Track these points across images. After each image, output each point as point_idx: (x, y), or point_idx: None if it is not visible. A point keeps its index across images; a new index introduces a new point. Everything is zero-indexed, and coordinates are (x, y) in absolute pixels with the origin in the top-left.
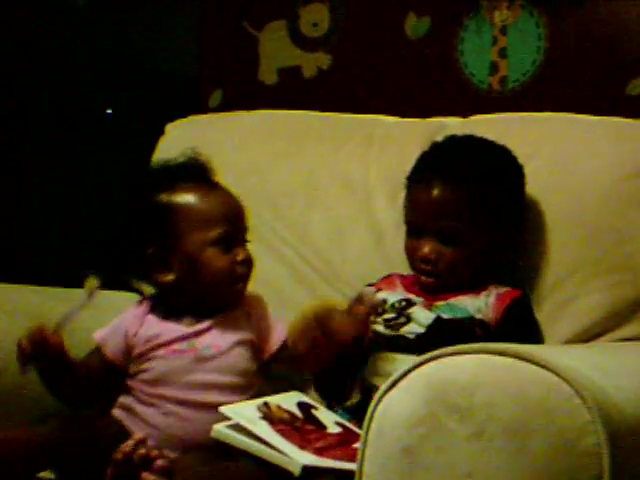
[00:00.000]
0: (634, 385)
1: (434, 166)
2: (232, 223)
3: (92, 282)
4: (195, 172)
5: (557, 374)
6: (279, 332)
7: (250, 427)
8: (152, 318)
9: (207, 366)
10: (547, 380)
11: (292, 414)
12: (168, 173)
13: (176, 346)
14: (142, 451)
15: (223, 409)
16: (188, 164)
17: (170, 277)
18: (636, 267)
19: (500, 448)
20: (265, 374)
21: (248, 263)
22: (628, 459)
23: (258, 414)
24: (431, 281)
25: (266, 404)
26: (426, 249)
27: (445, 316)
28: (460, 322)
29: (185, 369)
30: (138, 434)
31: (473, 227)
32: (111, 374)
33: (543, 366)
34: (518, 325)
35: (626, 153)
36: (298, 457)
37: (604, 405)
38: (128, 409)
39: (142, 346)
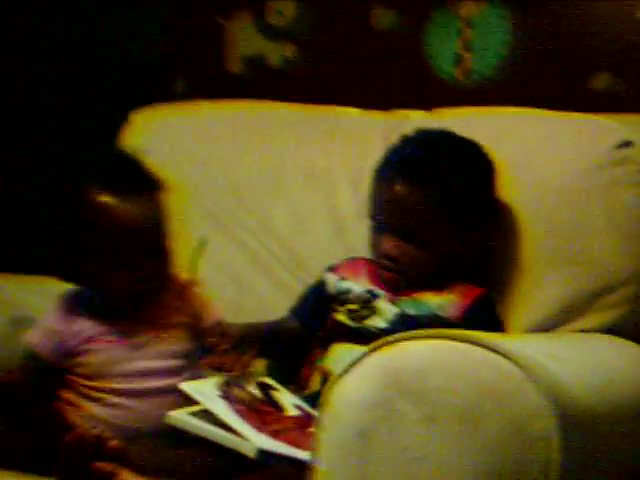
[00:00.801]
0: (586, 372)
1: (398, 162)
2: (136, 240)
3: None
4: (117, 180)
5: (509, 359)
6: (214, 311)
7: (208, 404)
8: (79, 312)
9: (143, 353)
10: (499, 365)
11: (251, 394)
12: (96, 172)
13: (110, 337)
14: (95, 431)
15: (182, 386)
16: (116, 169)
17: (78, 276)
18: (593, 260)
19: (452, 432)
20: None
21: (149, 280)
22: (579, 445)
23: (217, 392)
24: (393, 277)
25: (226, 382)
26: (388, 246)
27: (409, 312)
28: (424, 319)
29: (121, 359)
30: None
31: (435, 226)
32: (48, 372)
33: (495, 351)
34: (480, 323)
35: (585, 148)
36: (254, 440)
37: (556, 390)
38: (71, 404)
39: (75, 341)
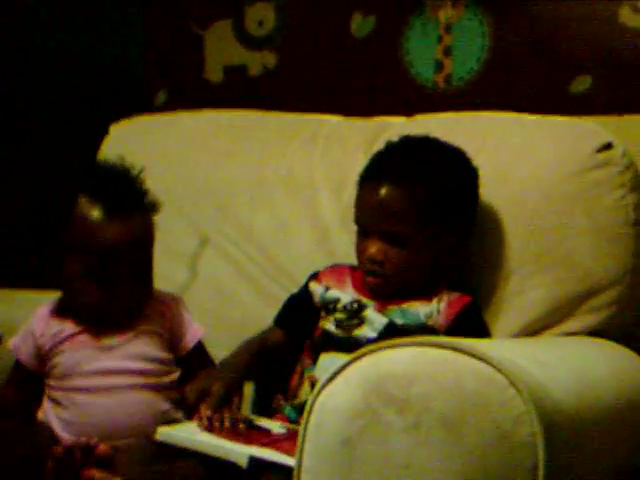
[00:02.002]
0: (571, 377)
1: (383, 167)
2: (116, 260)
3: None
4: (110, 197)
5: (492, 365)
6: (194, 331)
7: (193, 437)
8: (57, 316)
9: (112, 354)
10: (482, 371)
11: (234, 423)
12: (84, 183)
13: (81, 338)
14: (83, 440)
15: (160, 430)
16: (106, 180)
17: (57, 281)
18: (577, 264)
19: (436, 439)
20: (187, 369)
21: (123, 300)
22: (564, 450)
23: (198, 428)
24: (378, 282)
25: (207, 419)
26: (372, 249)
27: (397, 321)
28: (413, 329)
29: (89, 358)
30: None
31: (420, 230)
32: (34, 380)
33: (478, 357)
34: (468, 331)
35: (567, 152)
36: (244, 450)
37: (539, 396)
38: (49, 409)
39: (49, 343)
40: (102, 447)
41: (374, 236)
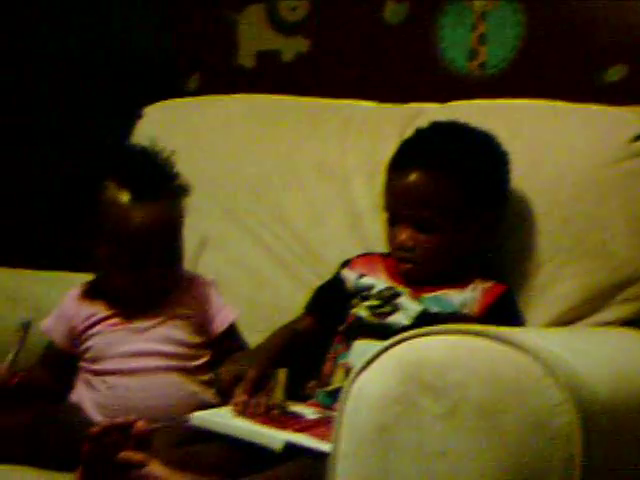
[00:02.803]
0: (607, 367)
1: (411, 153)
2: (146, 245)
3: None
4: (139, 181)
5: (529, 354)
6: (226, 314)
7: (227, 422)
8: (88, 299)
9: (142, 337)
10: (519, 360)
11: (268, 409)
12: (113, 167)
13: (112, 321)
14: (119, 419)
15: (195, 415)
16: (135, 165)
17: (89, 265)
18: (611, 253)
19: (473, 427)
20: (218, 351)
21: (155, 282)
22: (601, 440)
23: (231, 414)
24: (410, 268)
25: (242, 404)
26: (403, 236)
27: (432, 309)
28: (447, 317)
29: (120, 341)
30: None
31: (449, 215)
32: (66, 361)
33: (515, 346)
34: (502, 320)
35: (602, 141)
36: (279, 435)
37: (576, 386)
38: (81, 391)
39: (81, 325)
40: (140, 424)
41: (404, 223)
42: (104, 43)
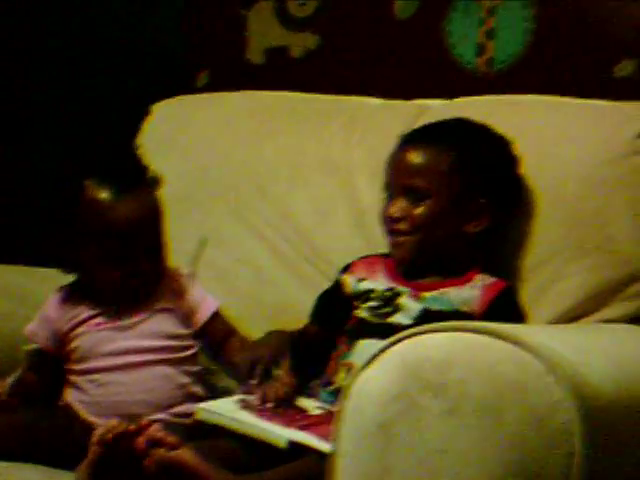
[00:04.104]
0: (609, 364)
1: (414, 133)
2: (128, 240)
3: (28, 347)
4: (114, 178)
5: (530, 351)
6: (208, 304)
7: (232, 415)
8: (71, 301)
9: (129, 333)
10: (519, 357)
11: (275, 402)
12: (95, 168)
13: (96, 320)
14: (132, 427)
15: (200, 406)
16: (114, 166)
17: (72, 266)
18: (617, 250)
19: (473, 425)
20: (208, 340)
21: (142, 276)
22: (601, 437)
23: (236, 406)
24: (400, 241)
25: (243, 399)
26: (392, 208)
27: (433, 308)
28: (448, 315)
29: (106, 339)
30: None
31: (441, 187)
32: (54, 364)
33: (515, 343)
34: (503, 318)
35: (609, 136)
36: (284, 432)
37: (577, 383)
38: (69, 395)
39: (65, 326)
40: (154, 428)
41: (397, 196)
42: (114, 40)
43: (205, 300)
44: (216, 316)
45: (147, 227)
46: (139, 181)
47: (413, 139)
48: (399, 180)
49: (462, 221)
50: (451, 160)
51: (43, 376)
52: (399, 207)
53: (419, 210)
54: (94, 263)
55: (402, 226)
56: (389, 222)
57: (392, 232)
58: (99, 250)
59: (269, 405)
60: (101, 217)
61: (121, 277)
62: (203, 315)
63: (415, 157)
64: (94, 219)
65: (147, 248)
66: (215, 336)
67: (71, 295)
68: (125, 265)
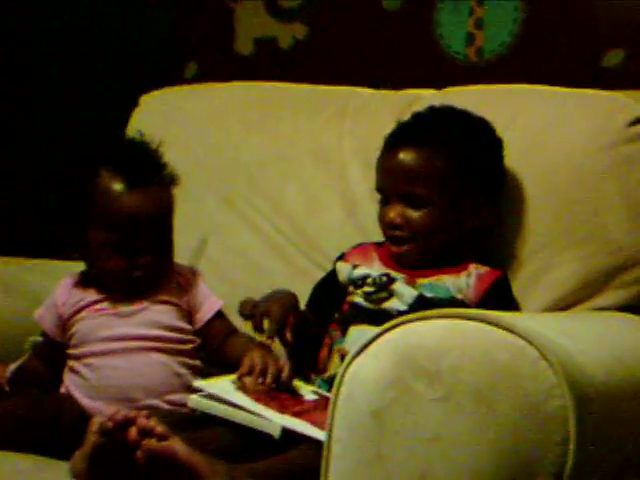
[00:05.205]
0: (602, 351)
1: (403, 132)
2: (137, 230)
3: (34, 338)
4: (127, 165)
5: (523, 338)
6: (212, 303)
7: (226, 396)
8: (80, 286)
9: (128, 321)
10: (513, 344)
11: (272, 384)
12: (106, 156)
13: (97, 306)
14: (132, 414)
15: (196, 383)
16: (126, 153)
17: (75, 255)
18: (609, 238)
19: (467, 411)
20: (210, 337)
21: (146, 268)
22: (595, 423)
23: (232, 386)
24: (400, 249)
25: (240, 378)
26: (392, 214)
27: (427, 295)
28: (442, 302)
29: (103, 325)
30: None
31: (439, 191)
32: (59, 351)
33: (509, 330)
34: (498, 306)
35: (599, 125)
36: (277, 419)
37: (570, 369)
38: (67, 380)
39: (69, 311)
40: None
41: (394, 200)
42: (101, 31)
43: (209, 299)
44: (218, 316)
45: (156, 220)
46: (154, 175)
47: (403, 140)
48: (396, 186)
49: (462, 220)
50: (448, 163)
51: (47, 362)
52: (398, 213)
53: (419, 216)
54: (101, 250)
55: (403, 232)
56: (389, 228)
57: (393, 239)
58: (107, 237)
59: (266, 387)
60: (112, 204)
61: (126, 267)
62: (205, 314)
63: (410, 162)
64: (105, 205)
65: (154, 241)
66: (216, 335)
67: (79, 282)
68: (130, 255)
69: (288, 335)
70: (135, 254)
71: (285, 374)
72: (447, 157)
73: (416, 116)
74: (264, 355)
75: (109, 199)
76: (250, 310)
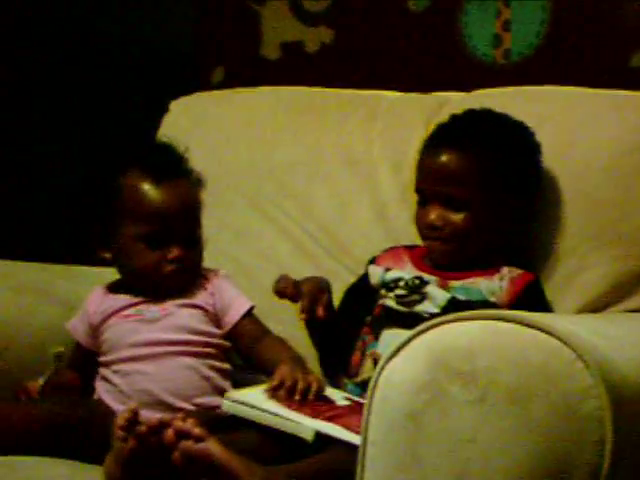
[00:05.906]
0: (636, 351)
1: (444, 134)
2: (167, 222)
3: (56, 350)
4: (154, 162)
5: (559, 339)
6: (239, 305)
7: (259, 403)
8: (110, 294)
9: (154, 326)
10: (549, 345)
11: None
12: (134, 156)
13: (125, 312)
14: (166, 418)
15: (228, 394)
16: (153, 152)
17: (107, 255)
18: (638, 240)
19: (502, 413)
20: (241, 340)
21: (179, 262)
22: (631, 424)
23: (264, 396)
24: (439, 247)
25: (270, 389)
26: (432, 215)
27: (460, 298)
28: (475, 305)
29: (132, 331)
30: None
31: (479, 194)
32: (93, 361)
33: (545, 331)
34: (530, 309)
35: (629, 126)
36: (310, 424)
37: (606, 370)
38: (99, 388)
39: (98, 319)
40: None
41: (433, 202)
42: (129, 38)
43: (237, 300)
44: (247, 317)
45: (185, 212)
46: (181, 172)
47: (444, 142)
48: (435, 187)
49: (499, 223)
50: (488, 166)
51: (80, 371)
52: (438, 214)
53: (459, 218)
54: (131, 244)
55: (442, 234)
56: (428, 229)
57: (431, 238)
58: (136, 230)
59: (297, 397)
60: (140, 197)
61: (157, 260)
62: (234, 316)
63: (451, 164)
64: (134, 199)
65: (184, 234)
66: (246, 337)
67: (109, 290)
68: (161, 248)
69: (320, 311)
70: (165, 245)
71: (314, 389)
72: (487, 160)
73: (456, 118)
74: (293, 370)
75: (137, 193)
76: (284, 287)
